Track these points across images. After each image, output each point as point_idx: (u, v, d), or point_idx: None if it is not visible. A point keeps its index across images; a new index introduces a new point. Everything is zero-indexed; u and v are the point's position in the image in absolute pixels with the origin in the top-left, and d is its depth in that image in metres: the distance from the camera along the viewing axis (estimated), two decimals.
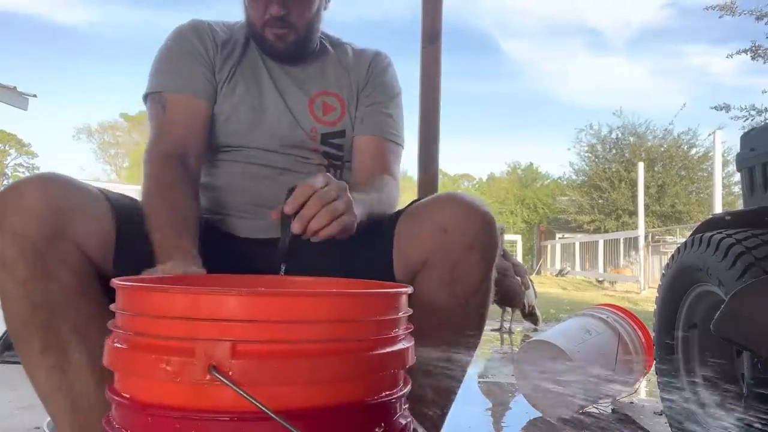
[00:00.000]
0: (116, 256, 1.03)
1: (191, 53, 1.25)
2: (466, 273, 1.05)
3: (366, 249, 1.11)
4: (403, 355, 0.73)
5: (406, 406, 0.76)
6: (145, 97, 1.26)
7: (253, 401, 0.61)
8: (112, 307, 0.73)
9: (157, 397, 0.65)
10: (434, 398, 1.14)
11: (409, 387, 0.76)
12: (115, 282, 0.72)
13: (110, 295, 1.02)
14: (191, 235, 1.07)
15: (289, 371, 0.64)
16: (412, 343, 0.76)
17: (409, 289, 0.76)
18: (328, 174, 1.01)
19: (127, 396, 0.68)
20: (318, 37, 1.32)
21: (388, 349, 0.71)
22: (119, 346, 0.68)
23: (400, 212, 1.15)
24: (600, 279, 14.55)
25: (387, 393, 0.72)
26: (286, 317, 0.65)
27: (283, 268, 0.97)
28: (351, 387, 0.68)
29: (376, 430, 0.69)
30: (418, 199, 1.18)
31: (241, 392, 0.60)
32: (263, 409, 0.61)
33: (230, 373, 0.61)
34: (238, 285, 0.92)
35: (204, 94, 1.24)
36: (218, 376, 0.61)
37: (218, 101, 1.26)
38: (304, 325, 0.66)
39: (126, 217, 1.05)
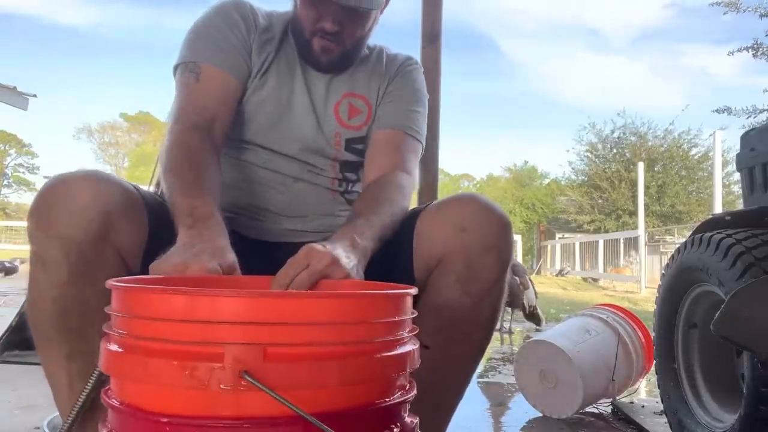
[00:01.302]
0: (145, 259, 1.01)
1: (231, 30, 1.22)
2: (482, 272, 1.05)
3: (387, 249, 1.11)
4: (415, 356, 0.74)
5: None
6: (176, 68, 1.22)
7: (290, 406, 0.60)
8: (107, 309, 0.70)
9: (175, 407, 0.62)
10: (445, 397, 1.14)
11: (415, 388, 0.76)
12: (111, 284, 0.69)
13: None
14: (217, 201, 1.05)
15: (320, 374, 0.63)
16: (418, 344, 0.77)
17: (414, 290, 0.77)
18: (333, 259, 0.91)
19: (139, 406, 0.64)
20: (364, 50, 1.29)
21: (404, 350, 0.72)
22: (124, 351, 0.66)
23: (418, 211, 1.14)
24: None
25: (402, 393, 0.72)
26: (316, 319, 0.64)
27: None
28: (374, 387, 0.68)
29: (394, 429, 0.70)
30: (433, 200, 1.18)
31: (278, 397, 0.59)
32: (300, 413, 0.60)
33: (262, 378, 0.60)
34: (251, 286, 0.91)
35: (238, 74, 1.21)
36: (252, 381, 0.59)
37: (247, 92, 1.23)
38: (335, 327, 0.65)
39: (157, 220, 1.03)
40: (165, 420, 0.62)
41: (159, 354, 0.62)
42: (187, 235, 0.94)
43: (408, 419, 0.74)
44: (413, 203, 1.34)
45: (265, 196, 1.24)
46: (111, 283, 0.70)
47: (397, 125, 1.27)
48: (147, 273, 0.95)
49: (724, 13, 11.84)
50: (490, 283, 1.06)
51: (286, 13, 1.30)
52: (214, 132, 1.16)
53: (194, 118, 1.14)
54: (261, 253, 1.19)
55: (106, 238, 0.94)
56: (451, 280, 1.05)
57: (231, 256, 0.93)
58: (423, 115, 1.32)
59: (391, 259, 1.11)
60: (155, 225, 1.02)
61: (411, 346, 0.73)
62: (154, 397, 0.64)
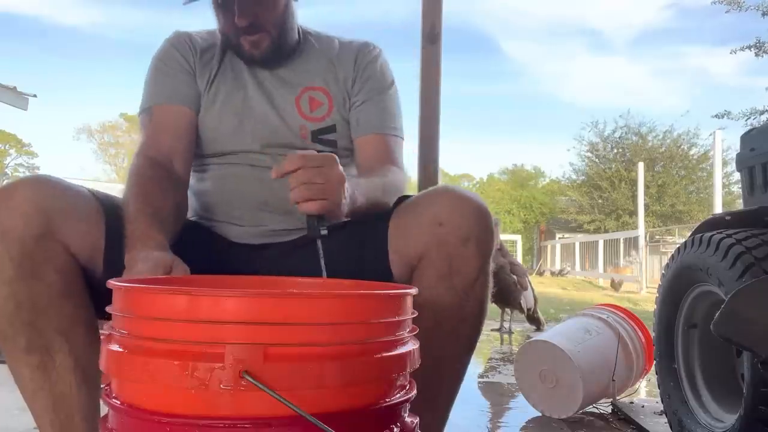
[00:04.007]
0: (105, 257, 1.04)
1: (172, 64, 1.28)
2: (463, 265, 1.04)
3: (361, 245, 1.11)
4: (415, 356, 0.74)
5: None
6: (140, 116, 1.29)
7: (290, 406, 0.60)
8: (109, 309, 0.70)
9: (176, 407, 0.62)
10: (438, 398, 1.13)
11: (415, 387, 0.76)
12: (112, 284, 0.69)
13: (95, 296, 1.04)
14: (163, 226, 1.07)
15: (320, 374, 0.63)
16: (418, 344, 0.77)
17: (415, 290, 0.78)
18: (328, 155, 1.02)
19: (139, 406, 0.65)
20: (295, 32, 1.30)
21: (404, 350, 0.72)
22: (124, 351, 0.66)
23: (392, 207, 1.14)
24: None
25: (402, 393, 0.73)
26: (316, 319, 0.64)
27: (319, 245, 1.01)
28: (374, 387, 0.69)
29: (394, 429, 0.70)
30: (409, 195, 1.17)
31: (278, 397, 0.60)
32: (300, 413, 0.60)
33: (262, 378, 0.60)
34: (243, 287, 0.92)
35: (188, 101, 1.26)
36: (253, 381, 0.60)
37: (202, 112, 1.27)
38: (335, 327, 0.65)
39: (116, 219, 1.05)
40: (165, 420, 0.62)
41: (160, 354, 0.63)
42: (128, 257, 0.98)
43: (408, 419, 0.74)
44: None
45: (242, 194, 1.24)
46: (112, 282, 0.70)
47: (377, 129, 1.30)
48: (108, 271, 0.98)
49: (726, 12, 11.85)
50: (473, 275, 1.06)
51: None
52: (173, 164, 1.21)
53: (152, 154, 1.19)
54: (247, 256, 1.21)
55: (50, 235, 0.98)
56: (432, 277, 1.05)
57: (169, 265, 0.95)
58: (395, 105, 1.35)
59: (367, 256, 1.11)
60: (115, 225, 1.04)
61: (411, 346, 0.73)
62: (154, 397, 0.64)
